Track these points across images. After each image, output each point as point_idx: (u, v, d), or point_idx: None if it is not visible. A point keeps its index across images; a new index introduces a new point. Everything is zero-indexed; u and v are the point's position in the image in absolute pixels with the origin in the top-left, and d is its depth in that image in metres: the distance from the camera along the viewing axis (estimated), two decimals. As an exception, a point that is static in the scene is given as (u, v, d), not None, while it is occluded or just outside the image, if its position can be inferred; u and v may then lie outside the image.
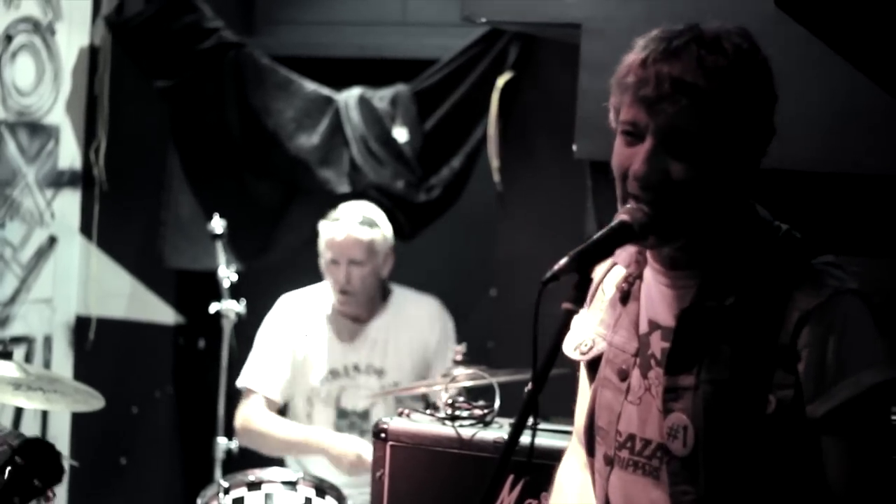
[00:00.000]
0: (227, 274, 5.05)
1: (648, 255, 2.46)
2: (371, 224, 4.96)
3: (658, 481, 2.40)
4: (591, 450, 2.58)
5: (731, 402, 2.31)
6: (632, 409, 2.46)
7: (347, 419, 4.98)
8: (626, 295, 2.50)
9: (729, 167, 2.33)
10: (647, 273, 2.48)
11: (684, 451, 2.35)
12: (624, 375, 2.47)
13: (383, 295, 5.07)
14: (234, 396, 5.15)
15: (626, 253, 2.49)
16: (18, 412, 5.52)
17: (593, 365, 2.57)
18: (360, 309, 5.00)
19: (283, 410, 5.10)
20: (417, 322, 5.04)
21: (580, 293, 2.24)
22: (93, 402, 4.11)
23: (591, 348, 2.56)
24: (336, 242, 4.92)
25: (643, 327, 2.46)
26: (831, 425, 2.28)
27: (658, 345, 2.42)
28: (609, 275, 2.57)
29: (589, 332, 2.56)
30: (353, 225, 4.93)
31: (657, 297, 2.45)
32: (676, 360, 2.37)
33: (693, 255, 2.38)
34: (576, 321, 2.36)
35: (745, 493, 2.32)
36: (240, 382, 5.02)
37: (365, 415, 4.96)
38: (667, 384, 2.38)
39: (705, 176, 2.30)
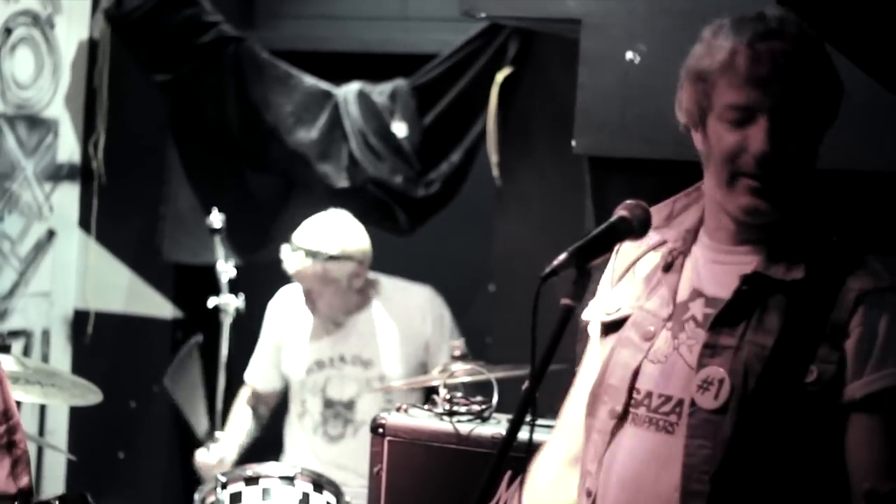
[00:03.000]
0: (226, 268, 5.05)
1: (703, 232, 2.55)
2: (322, 256, 4.91)
3: (671, 436, 2.44)
4: (593, 410, 2.60)
5: (772, 365, 2.37)
6: (652, 368, 2.50)
7: (333, 409, 5.01)
8: (669, 266, 2.56)
9: (814, 144, 2.47)
10: (696, 250, 2.55)
11: (714, 404, 2.39)
12: (649, 336, 2.52)
13: (368, 289, 5.07)
14: (233, 391, 5.17)
15: (674, 231, 2.58)
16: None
17: (611, 328, 2.61)
18: (338, 314, 5.02)
19: (284, 400, 5.14)
20: (408, 311, 5.05)
21: (579, 289, 2.25)
22: (90, 396, 4.11)
23: (616, 310, 2.61)
24: (291, 274, 4.96)
25: (682, 296, 2.52)
26: (869, 407, 2.35)
27: (700, 310, 2.48)
28: (644, 258, 2.63)
29: (615, 300, 2.62)
30: (301, 260, 4.92)
31: (705, 270, 2.52)
32: (725, 318, 2.43)
33: (762, 234, 2.47)
34: (599, 293, 2.58)
35: (764, 454, 2.36)
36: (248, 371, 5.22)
37: (350, 404, 4.99)
38: (707, 340, 2.43)
39: (808, 153, 2.45)
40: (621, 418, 2.52)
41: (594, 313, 2.67)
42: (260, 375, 5.18)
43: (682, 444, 2.41)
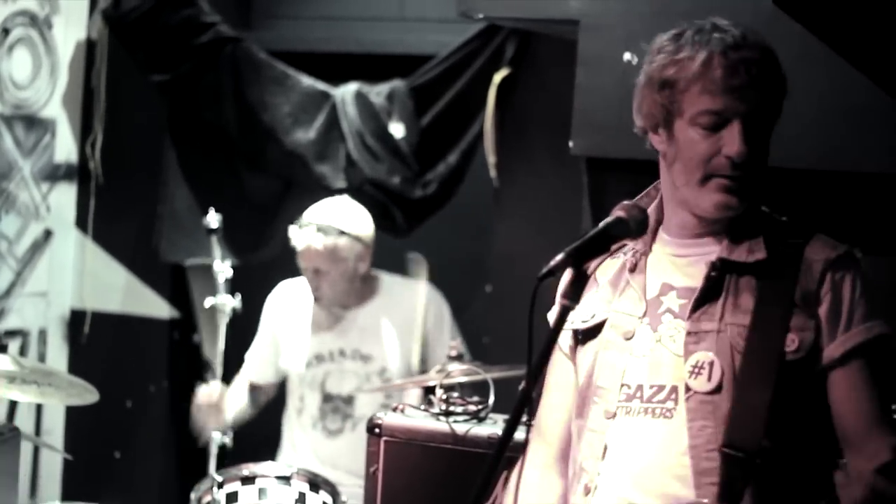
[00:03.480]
0: (223, 268, 5.05)
1: (662, 230, 2.72)
2: (333, 231, 4.91)
3: (671, 420, 2.56)
4: (581, 412, 2.70)
5: (753, 341, 2.54)
6: (639, 363, 2.63)
7: (332, 403, 5.01)
8: (634, 266, 2.71)
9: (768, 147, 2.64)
10: (657, 247, 2.71)
11: (708, 386, 2.54)
12: (629, 336, 2.65)
13: (370, 283, 5.08)
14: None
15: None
16: (13, 405, 5.52)
17: (588, 334, 2.72)
18: (337, 306, 5.02)
19: (281, 393, 5.15)
20: (408, 307, 5.05)
21: (576, 289, 2.26)
22: (87, 395, 4.11)
23: (591, 317, 2.71)
24: (298, 252, 4.95)
25: (652, 292, 2.67)
26: (848, 362, 2.56)
27: (675, 302, 2.64)
28: (602, 266, 2.76)
29: (586, 309, 2.72)
30: (312, 234, 4.92)
31: (669, 266, 2.68)
32: (701, 305, 2.60)
33: (722, 223, 2.64)
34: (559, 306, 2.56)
35: (762, 422, 2.49)
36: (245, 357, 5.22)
37: (350, 400, 5.00)
38: (689, 328, 2.58)
39: (766, 150, 2.61)
40: (614, 415, 2.62)
41: (571, 324, 2.75)
42: (257, 369, 5.19)
43: (685, 427, 2.53)
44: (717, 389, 2.53)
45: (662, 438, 2.56)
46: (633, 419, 2.60)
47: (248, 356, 5.21)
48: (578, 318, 2.73)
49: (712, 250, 2.64)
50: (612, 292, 2.71)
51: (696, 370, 2.55)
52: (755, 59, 2.55)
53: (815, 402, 2.57)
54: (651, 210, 2.70)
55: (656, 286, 2.67)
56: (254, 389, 5.22)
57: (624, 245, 2.71)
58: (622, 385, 2.63)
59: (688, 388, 2.55)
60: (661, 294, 2.66)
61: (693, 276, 2.63)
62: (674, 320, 2.62)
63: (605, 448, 2.62)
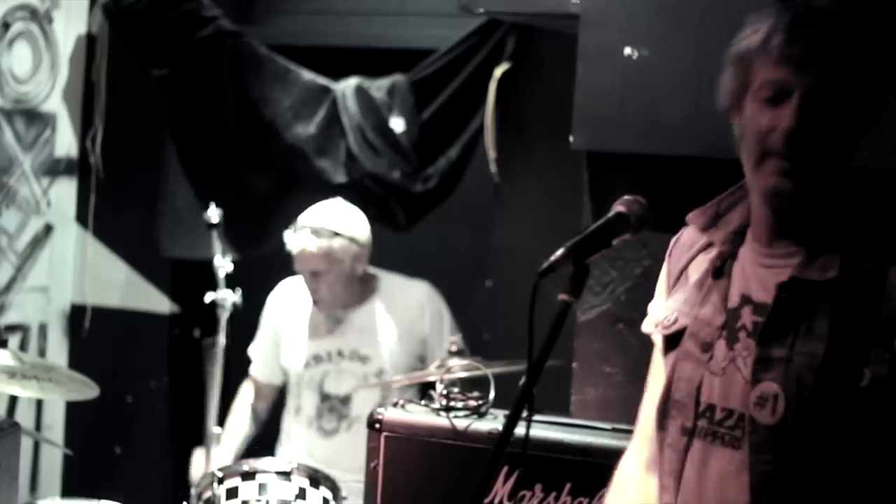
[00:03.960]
0: (223, 263, 5.05)
1: (749, 233, 2.51)
2: (327, 234, 4.91)
3: (737, 451, 2.40)
4: (662, 424, 2.58)
5: (824, 375, 2.32)
6: (713, 380, 2.46)
7: (329, 403, 5.01)
8: (719, 271, 2.53)
9: (849, 130, 2.41)
10: (743, 252, 2.51)
11: (772, 420, 2.35)
12: (707, 347, 2.49)
13: (368, 284, 5.07)
14: (230, 386, 5.16)
15: (721, 232, 2.55)
16: (13, 401, 5.52)
17: (673, 340, 2.57)
18: (336, 308, 5.02)
19: (282, 395, 5.15)
20: (407, 308, 5.05)
21: (576, 284, 2.25)
22: (87, 391, 4.11)
23: (674, 322, 2.57)
24: (294, 256, 4.95)
25: (733, 302, 2.48)
26: None
27: (749, 318, 2.44)
28: (695, 261, 2.60)
29: (671, 310, 2.59)
30: (307, 237, 4.92)
31: (751, 274, 2.48)
32: (772, 331, 2.39)
33: (799, 229, 2.43)
34: (654, 305, 2.55)
35: (828, 465, 2.33)
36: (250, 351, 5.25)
37: (346, 400, 5.00)
38: (758, 354, 2.39)
39: (842, 141, 2.39)
40: (692, 432, 2.50)
41: (653, 325, 2.64)
42: (261, 367, 5.20)
43: (748, 460, 2.38)
44: (782, 424, 2.35)
45: (729, 470, 2.42)
46: (702, 443, 2.47)
47: (252, 354, 5.22)
48: (661, 323, 2.61)
49: (790, 262, 2.43)
50: (696, 294, 2.56)
51: (761, 401, 2.37)
52: (824, 33, 2.36)
53: (887, 438, 2.34)
54: (739, 209, 2.56)
55: (737, 296, 2.49)
56: (256, 400, 5.22)
57: (712, 244, 2.57)
58: (697, 401, 2.49)
59: (752, 420, 2.38)
60: (741, 306, 2.47)
61: (771, 290, 2.43)
62: (747, 339, 2.43)
63: (683, 468, 2.51)
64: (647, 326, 2.65)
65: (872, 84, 2.41)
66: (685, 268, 2.62)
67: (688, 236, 2.65)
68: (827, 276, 2.37)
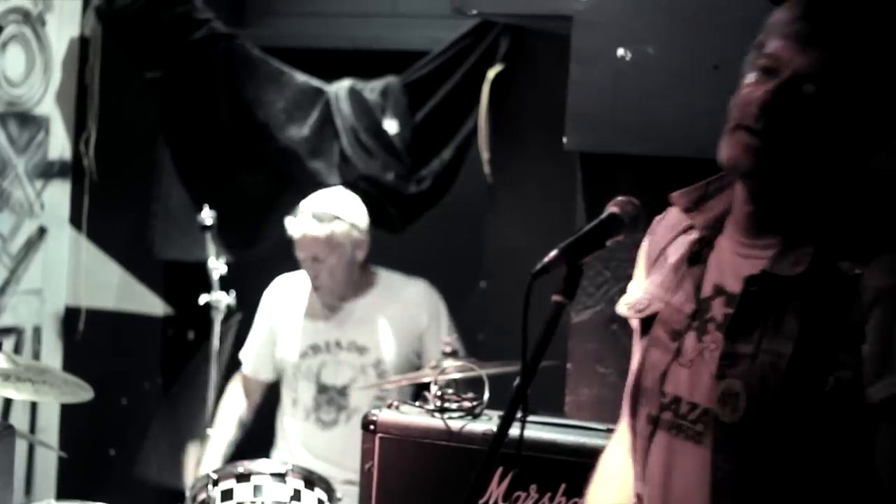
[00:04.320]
0: (217, 265, 5.05)
1: (728, 222, 2.45)
2: (328, 218, 4.94)
3: (699, 446, 2.37)
4: (634, 410, 2.55)
5: (789, 376, 2.26)
6: (681, 371, 2.42)
7: (327, 394, 5.02)
8: (695, 257, 2.48)
9: (843, 136, 2.31)
10: (721, 241, 2.45)
11: (733, 418, 2.30)
12: (676, 336, 2.44)
13: (367, 277, 5.08)
14: (224, 387, 5.16)
15: (703, 216, 2.49)
16: (7, 403, 5.52)
17: (646, 324, 2.53)
18: (336, 297, 5.03)
19: (276, 391, 5.15)
20: (406, 302, 5.06)
21: (570, 285, 2.25)
22: (82, 393, 4.11)
23: (647, 307, 2.53)
24: (295, 240, 4.96)
25: (706, 291, 2.43)
26: (887, 412, 2.24)
27: (720, 310, 2.39)
28: (675, 242, 2.55)
29: (646, 292, 2.54)
30: (308, 221, 4.94)
31: (728, 264, 2.42)
32: (738, 326, 2.33)
33: (778, 223, 2.36)
34: (632, 284, 2.48)
35: (788, 467, 2.29)
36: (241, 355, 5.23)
37: (344, 390, 5.00)
38: (725, 349, 2.34)
39: (820, 130, 2.29)
40: (656, 422, 2.46)
41: (626, 308, 2.59)
42: (252, 362, 5.19)
43: (710, 457, 2.34)
44: (742, 424, 2.29)
45: (692, 466, 2.37)
46: (665, 435, 2.43)
47: (244, 354, 5.21)
48: (635, 306, 2.55)
49: (767, 255, 2.35)
50: (672, 278, 2.49)
51: (724, 398, 2.31)
52: (842, 27, 2.27)
53: (849, 441, 2.26)
54: (725, 195, 2.47)
55: (710, 286, 2.42)
56: (245, 398, 5.21)
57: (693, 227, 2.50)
58: (662, 392, 2.44)
59: (715, 417, 2.33)
60: (713, 297, 2.41)
61: (743, 282, 2.36)
62: (716, 332, 2.37)
63: (646, 456, 2.49)
64: (621, 308, 2.60)
65: (879, 92, 2.31)
66: (665, 248, 2.56)
67: (672, 216, 2.60)
68: (795, 270, 2.29)
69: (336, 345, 5.03)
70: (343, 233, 4.94)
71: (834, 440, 2.27)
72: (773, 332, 2.29)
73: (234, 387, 5.23)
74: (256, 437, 5.21)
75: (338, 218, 4.94)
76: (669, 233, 2.56)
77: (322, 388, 5.03)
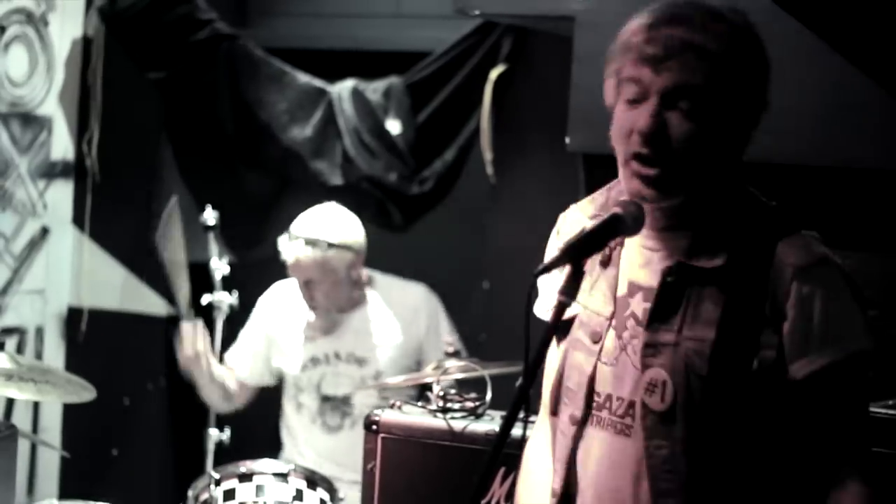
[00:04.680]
0: (220, 266, 5.05)
1: None
2: (322, 245, 4.89)
3: (629, 439, 2.43)
4: (554, 409, 2.60)
5: (714, 360, 2.34)
6: (606, 370, 2.48)
7: (331, 403, 5.01)
8: (607, 260, 2.52)
9: (725, 130, 2.38)
10: (631, 239, 2.49)
11: (662, 406, 2.38)
12: (597, 338, 2.50)
13: (364, 286, 5.07)
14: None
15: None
16: (10, 403, 5.51)
17: (563, 327, 2.56)
18: (332, 311, 5.01)
19: (278, 398, 5.15)
20: (403, 310, 5.05)
21: (572, 285, 2.25)
22: (84, 393, 4.11)
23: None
24: (289, 264, 4.95)
25: (621, 290, 2.49)
26: (813, 387, 2.34)
27: (640, 305, 2.45)
28: None
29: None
30: (301, 247, 4.91)
31: (640, 260, 2.48)
32: (658, 315, 2.40)
33: (685, 218, 2.42)
34: (547, 285, 2.49)
35: (719, 450, 2.36)
36: (227, 355, 5.16)
37: (347, 399, 5.00)
38: (647, 339, 2.41)
39: (704, 135, 2.35)
40: (583, 423, 2.51)
41: (545, 311, 2.59)
42: (245, 368, 5.18)
43: (642, 445, 2.41)
44: (671, 410, 2.37)
45: (623, 457, 2.44)
46: (602, 432, 2.48)
47: (233, 358, 5.18)
48: (548, 307, 2.50)
49: (679, 246, 2.43)
50: (588, 281, 2.48)
51: (651, 388, 2.39)
52: (685, 37, 2.33)
53: (779, 416, 2.36)
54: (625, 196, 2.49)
55: (625, 284, 2.49)
56: (239, 388, 5.21)
57: None
58: (593, 392, 2.49)
59: (644, 406, 2.40)
60: (629, 294, 2.48)
61: (659, 273, 2.43)
62: (636, 327, 2.44)
63: (571, 456, 2.53)
64: (540, 312, 2.61)
65: (738, 90, 2.38)
66: None
67: (576, 214, 2.65)
68: (714, 263, 2.37)
69: (335, 356, 5.02)
70: (337, 258, 4.91)
71: (763, 417, 2.36)
72: (692, 319, 2.37)
73: (230, 372, 5.20)
74: (260, 439, 5.22)
75: (332, 245, 4.91)
76: (577, 230, 2.50)
77: (325, 398, 5.02)
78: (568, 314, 2.50)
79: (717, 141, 2.38)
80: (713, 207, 2.43)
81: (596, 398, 2.49)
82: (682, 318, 2.38)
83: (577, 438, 2.52)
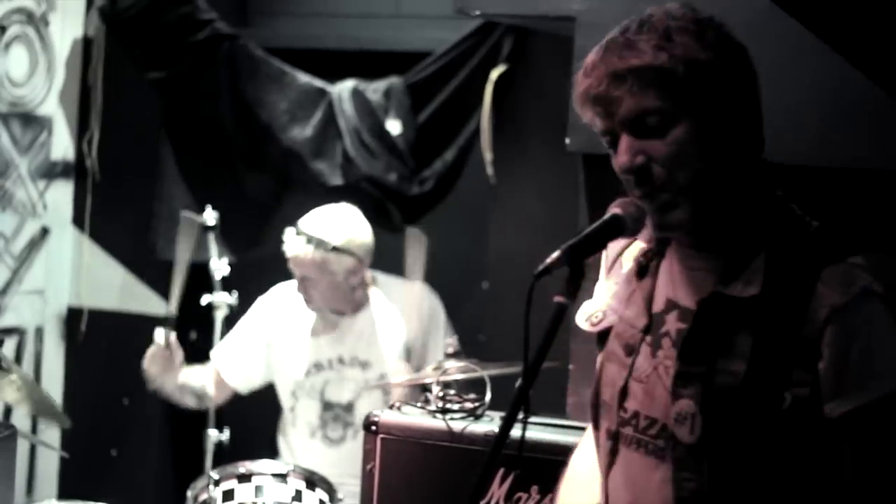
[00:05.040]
0: (220, 266, 5.04)
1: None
2: (326, 247, 4.85)
3: (662, 462, 2.36)
4: (596, 423, 2.55)
5: (744, 396, 2.26)
6: (637, 387, 2.42)
7: (332, 411, 4.98)
8: (644, 270, 2.46)
9: (706, 138, 2.28)
10: (671, 252, 2.44)
11: (691, 439, 2.30)
12: (630, 350, 2.44)
13: (365, 288, 5.04)
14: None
15: (648, 229, 2.42)
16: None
17: (602, 337, 2.53)
18: (331, 312, 4.99)
19: (275, 405, 5.13)
20: (406, 311, 5.03)
21: (572, 286, 2.24)
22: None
23: (601, 320, 2.52)
24: (289, 258, 4.92)
25: (658, 305, 2.42)
26: (848, 427, 2.25)
27: (674, 325, 2.38)
28: (630, 248, 2.52)
29: (601, 303, 2.53)
30: (304, 245, 4.88)
31: (679, 277, 2.41)
32: (692, 348, 2.33)
33: (711, 233, 2.34)
34: (596, 288, 2.45)
35: (749, 487, 2.28)
36: (213, 353, 5.06)
37: (350, 407, 4.97)
38: (679, 369, 2.33)
39: (683, 149, 2.27)
40: (616, 437, 2.46)
41: (584, 320, 2.56)
42: (231, 369, 5.11)
43: (670, 473, 2.34)
44: (700, 444, 2.29)
45: (653, 481, 2.38)
46: (627, 450, 2.43)
47: (221, 357, 5.09)
48: (590, 317, 2.53)
49: (718, 267, 2.34)
50: (624, 291, 2.47)
51: (680, 419, 2.31)
52: (621, 64, 2.26)
53: (810, 454, 2.28)
54: None
55: (662, 299, 2.41)
56: (214, 387, 5.11)
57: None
58: (622, 407, 2.43)
59: (673, 435, 2.32)
60: (666, 311, 2.40)
61: (699, 294, 2.35)
62: (670, 348, 2.36)
63: (608, 469, 2.49)
64: (579, 320, 2.57)
65: (704, 95, 2.27)
66: (620, 253, 2.54)
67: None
68: (748, 292, 2.29)
69: (339, 361, 5.00)
70: (336, 261, 4.87)
71: (795, 456, 2.28)
72: (726, 351, 2.29)
73: (208, 372, 5.12)
74: (259, 440, 5.21)
75: (335, 248, 4.88)
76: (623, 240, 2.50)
77: (327, 406, 4.99)
78: (604, 324, 2.50)
79: (703, 150, 2.28)
80: (742, 222, 2.34)
81: (622, 413, 2.44)
82: (716, 350, 2.30)
83: (613, 453, 2.47)
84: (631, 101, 2.27)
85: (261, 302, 5.14)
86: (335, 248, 4.85)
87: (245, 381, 5.13)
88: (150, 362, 5.00)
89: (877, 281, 2.30)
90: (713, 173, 2.30)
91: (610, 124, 2.31)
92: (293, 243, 4.89)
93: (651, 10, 2.34)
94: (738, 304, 2.29)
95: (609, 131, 2.32)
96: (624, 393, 2.44)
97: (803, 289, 2.26)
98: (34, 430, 5.74)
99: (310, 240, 4.86)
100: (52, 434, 5.79)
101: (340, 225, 4.94)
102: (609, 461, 2.49)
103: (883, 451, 2.27)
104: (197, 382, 5.11)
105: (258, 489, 4.02)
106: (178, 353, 4.99)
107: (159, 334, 4.96)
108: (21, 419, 5.58)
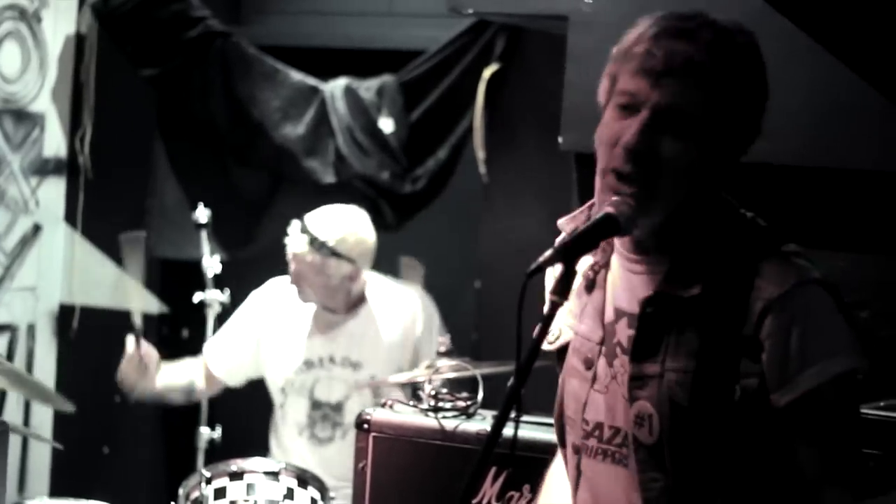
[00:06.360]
0: (212, 263, 5.04)
1: (616, 240, 2.43)
2: (326, 252, 4.83)
3: (627, 469, 2.40)
4: (562, 440, 2.59)
5: (695, 391, 2.30)
6: (598, 398, 2.44)
7: (321, 410, 4.97)
8: (592, 283, 2.48)
9: (715, 155, 2.33)
10: (614, 260, 2.46)
11: (651, 440, 2.35)
12: (589, 364, 2.46)
13: (360, 289, 5.02)
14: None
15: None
16: (1, 400, 5.51)
17: (561, 354, 2.54)
18: (324, 310, 4.98)
19: (268, 401, 5.12)
20: (398, 313, 5.02)
21: (564, 285, 2.24)
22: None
23: (557, 337, 2.54)
24: (288, 252, 4.90)
25: (609, 316, 2.45)
26: (796, 414, 2.29)
27: (624, 332, 2.41)
28: (581, 262, 2.46)
29: (557, 320, 2.49)
30: (305, 244, 4.86)
31: (623, 284, 2.43)
32: (641, 348, 2.36)
33: (664, 240, 2.37)
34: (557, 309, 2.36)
35: (712, 480, 2.32)
36: (205, 346, 5.06)
37: (339, 406, 4.95)
38: (632, 372, 2.37)
39: (692, 159, 2.30)
40: (580, 450, 2.49)
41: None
42: (221, 363, 5.08)
43: (636, 478, 2.37)
44: (660, 444, 2.33)
45: (621, 489, 2.41)
46: (591, 461, 2.46)
47: (212, 352, 5.08)
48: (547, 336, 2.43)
49: (660, 270, 2.37)
50: (577, 306, 2.49)
51: (639, 421, 2.35)
52: (688, 53, 2.27)
53: (764, 454, 2.32)
54: None
55: (611, 309, 2.44)
56: (202, 382, 5.11)
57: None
58: (583, 419, 2.46)
59: (635, 438, 2.36)
60: (616, 320, 2.43)
61: (642, 297, 2.38)
62: (623, 356, 2.40)
63: (576, 485, 2.52)
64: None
65: (735, 117, 2.33)
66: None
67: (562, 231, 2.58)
68: (690, 292, 2.32)
69: (330, 360, 4.98)
70: (335, 266, 4.84)
71: (753, 445, 2.32)
72: (675, 350, 2.33)
73: (199, 365, 5.12)
74: (251, 438, 5.20)
75: (334, 253, 4.85)
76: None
77: (316, 405, 4.96)
78: (561, 341, 2.53)
79: (704, 165, 2.32)
80: (694, 228, 2.37)
81: (584, 426, 2.47)
82: (665, 349, 2.33)
83: (578, 467, 2.50)
84: (677, 93, 2.29)
85: (254, 296, 5.12)
86: (336, 254, 4.83)
87: (233, 375, 5.10)
88: (124, 374, 4.93)
89: (814, 267, 2.34)
90: (695, 192, 2.35)
91: (640, 95, 2.31)
92: (296, 240, 4.87)
93: (703, 13, 2.37)
94: (683, 303, 2.33)
95: (633, 95, 2.32)
96: (586, 405, 2.46)
97: (742, 285, 2.30)
98: (26, 423, 5.73)
99: (312, 240, 4.83)
100: (43, 431, 5.78)
101: (345, 230, 4.90)
102: (577, 475, 2.52)
103: (833, 434, 2.31)
104: (182, 379, 5.08)
105: (250, 487, 4.01)
106: (151, 361, 4.93)
107: (129, 343, 4.92)
108: (13, 416, 5.58)
